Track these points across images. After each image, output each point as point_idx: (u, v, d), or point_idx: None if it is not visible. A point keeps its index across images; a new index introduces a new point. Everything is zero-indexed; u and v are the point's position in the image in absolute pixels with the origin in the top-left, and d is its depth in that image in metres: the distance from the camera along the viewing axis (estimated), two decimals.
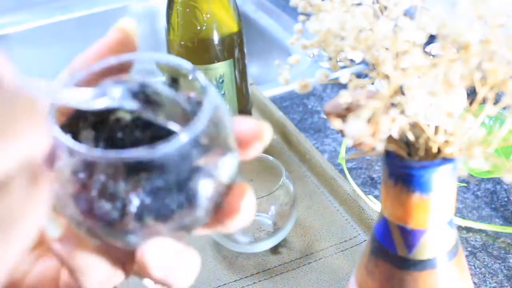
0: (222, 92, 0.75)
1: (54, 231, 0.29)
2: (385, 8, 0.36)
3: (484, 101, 0.35)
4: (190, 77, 0.30)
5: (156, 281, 0.30)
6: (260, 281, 0.64)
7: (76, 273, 0.30)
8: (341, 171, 0.77)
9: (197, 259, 0.31)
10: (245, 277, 0.64)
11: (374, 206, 0.70)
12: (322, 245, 0.67)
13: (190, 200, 0.28)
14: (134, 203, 0.27)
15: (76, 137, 0.29)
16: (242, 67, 0.77)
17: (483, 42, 0.33)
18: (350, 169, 0.78)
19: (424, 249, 0.39)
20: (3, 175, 0.21)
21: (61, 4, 1.24)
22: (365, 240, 0.68)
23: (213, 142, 0.28)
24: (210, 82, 0.29)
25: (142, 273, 0.30)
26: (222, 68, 0.74)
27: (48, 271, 0.32)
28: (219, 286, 0.64)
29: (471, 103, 0.35)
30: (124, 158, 0.26)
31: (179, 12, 0.73)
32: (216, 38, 0.73)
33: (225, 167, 0.29)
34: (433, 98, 0.32)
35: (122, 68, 0.31)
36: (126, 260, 0.31)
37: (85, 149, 0.26)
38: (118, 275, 0.31)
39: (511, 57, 0.32)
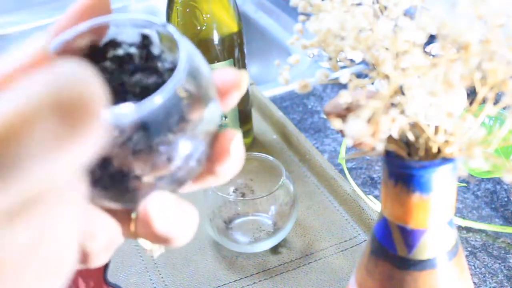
0: None
1: None
2: (385, 8, 0.36)
3: (484, 101, 0.35)
4: (165, 34, 0.31)
5: (158, 237, 0.30)
6: (260, 281, 0.64)
7: (82, 239, 0.30)
8: (341, 171, 0.77)
9: (196, 213, 0.32)
10: (245, 277, 0.64)
11: (374, 206, 0.70)
12: (322, 245, 0.67)
13: (180, 152, 0.29)
14: (126, 163, 0.28)
15: None
16: (242, 67, 0.77)
17: (483, 42, 0.33)
18: (350, 169, 0.78)
19: (424, 249, 0.39)
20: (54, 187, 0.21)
21: (61, 4, 1.24)
22: (365, 240, 0.68)
23: (194, 92, 0.29)
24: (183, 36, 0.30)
25: (144, 230, 0.30)
26: (222, 68, 0.74)
27: None
28: (219, 286, 0.64)
29: (471, 103, 0.35)
30: (111, 119, 0.26)
31: (179, 12, 0.73)
32: (216, 38, 0.73)
33: (209, 115, 0.30)
34: (433, 98, 0.32)
35: (97, 32, 0.31)
36: (123, 222, 0.31)
37: None
38: (120, 237, 0.31)
39: (511, 57, 0.32)
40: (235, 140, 0.31)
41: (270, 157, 0.68)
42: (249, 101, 0.80)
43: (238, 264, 0.66)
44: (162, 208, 0.29)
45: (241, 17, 0.75)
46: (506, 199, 0.73)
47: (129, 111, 0.27)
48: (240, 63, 0.76)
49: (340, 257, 0.66)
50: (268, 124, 0.86)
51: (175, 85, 0.28)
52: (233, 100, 0.32)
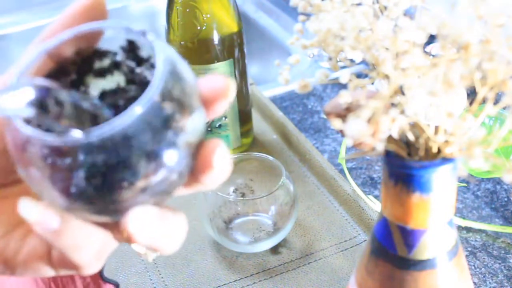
0: None
1: (30, 215, 0.29)
2: (385, 8, 0.36)
3: (484, 101, 0.35)
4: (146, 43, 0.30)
5: (144, 247, 0.30)
6: (260, 281, 0.64)
7: (67, 252, 0.30)
8: (341, 171, 0.77)
9: (183, 222, 0.31)
10: (245, 277, 0.64)
11: (374, 206, 0.70)
12: (322, 245, 0.67)
13: (161, 166, 0.28)
14: (105, 178, 0.27)
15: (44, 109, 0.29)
16: (242, 67, 0.77)
17: (483, 42, 0.33)
18: (350, 169, 0.78)
19: (424, 249, 0.39)
20: None
21: (61, 4, 1.24)
22: (365, 240, 0.68)
23: (176, 101, 0.28)
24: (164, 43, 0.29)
25: (128, 241, 0.29)
26: (222, 68, 0.74)
27: (39, 247, 0.32)
28: (219, 286, 0.64)
29: (471, 103, 0.35)
30: (82, 140, 0.26)
31: (179, 12, 0.73)
32: (216, 38, 0.73)
33: (191, 126, 0.29)
34: (433, 98, 0.32)
35: (92, 36, 0.31)
36: (114, 227, 0.31)
37: (47, 137, 0.27)
38: (111, 242, 0.31)
39: (511, 57, 0.32)
40: (218, 152, 0.30)
41: (270, 157, 0.68)
42: (249, 101, 0.80)
43: (238, 264, 0.66)
44: (142, 223, 0.29)
45: (241, 17, 0.75)
46: (506, 199, 0.73)
47: (93, 131, 0.26)
48: (240, 63, 0.76)
49: (340, 257, 0.66)
50: (268, 124, 0.86)
51: (151, 96, 0.27)
52: (220, 108, 0.31)
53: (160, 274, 0.65)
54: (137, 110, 0.27)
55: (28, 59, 0.30)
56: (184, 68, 0.30)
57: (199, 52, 0.73)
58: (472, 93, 0.34)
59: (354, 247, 0.67)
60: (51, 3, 1.24)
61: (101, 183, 0.27)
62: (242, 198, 0.69)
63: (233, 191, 0.70)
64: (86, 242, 0.30)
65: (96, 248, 0.30)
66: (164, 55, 0.28)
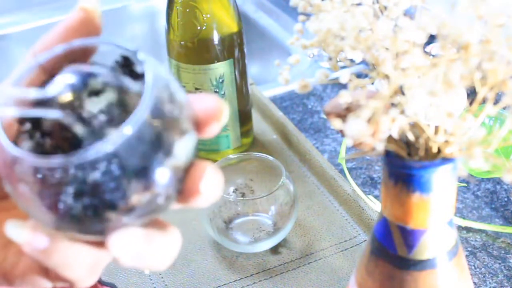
0: (222, 92, 0.75)
1: (18, 236, 0.29)
2: (385, 8, 0.36)
3: (484, 101, 0.35)
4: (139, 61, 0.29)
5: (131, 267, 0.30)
6: (260, 281, 0.64)
7: (58, 269, 0.30)
8: (341, 171, 0.77)
9: (174, 239, 0.31)
10: (245, 277, 0.64)
11: (374, 206, 0.70)
12: (322, 245, 0.67)
13: (147, 189, 0.28)
14: (91, 199, 0.27)
15: (34, 131, 0.29)
16: (242, 67, 0.77)
17: (483, 42, 0.33)
18: (350, 169, 0.78)
19: (424, 249, 0.39)
20: None
21: (61, 4, 1.24)
22: (365, 240, 0.68)
23: (163, 125, 0.28)
24: (154, 64, 0.29)
25: (115, 262, 0.29)
26: (222, 68, 0.74)
27: (35, 261, 0.32)
28: (219, 286, 0.64)
29: (471, 103, 0.35)
30: (68, 162, 0.26)
31: (179, 12, 0.73)
32: (216, 38, 0.73)
33: (180, 150, 0.28)
34: (433, 98, 0.32)
35: (85, 52, 0.31)
36: (104, 243, 0.31)
37: (34, 158, 0.27)
38: (103, 257, 0.31)
39: (511, 57, 0.32)
40: (206, 178, 0.29)
41: (270, 157, 0.68)
42: (249, 101, 0.80)
43: (238, 264, 0.66)
44: (126, 247, 0.28)
45: (241, 17, 0.75)
46: (506, 199, 0.73)
47: (86, 155, 0.26)
48: (240, 63, 0.76)
49: (340, 257, 0.66)
50: (268, 124, 0.86)
51: (138, 119, 0.27)
52: (212, 131, 0.30)
53: (160, 274, 0.65)
54: (123, 132, 0.26)
55: (20, 71, 0.30)
56: (176, 89, 0.29)
57: (199, 52, 0.73)
58: (472, 93, 0.34)
59: (354, 247, 0.67)
60: (51, 3, 1.24)
61: (86, 205, 0.27)
62: (242, 198, 0.69)
63: (233, 191, 0.70)
64: (77, 260, 0.30)
65: (88, 264, 0.30)
66: (154, 77, 0.28)
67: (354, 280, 0.44)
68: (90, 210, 0.27)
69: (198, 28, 0.72)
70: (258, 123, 0.86)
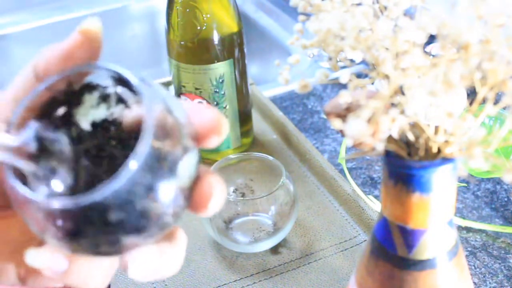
0: (222, 92, 0.75)
1: (40, 263, 0.30)
2: (385, 8, 0.36)
3: (484, 101, 0.35)
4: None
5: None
6: (260, 281, 0.64)
7: (78, 285, 0.31)
8: (341, 171, 0.77)
9: (181, 247, 0.32)
10: (245, 277, 0.64)
11: (374, 206, 0.70)
12: (322, 245, 0.67)
13: (156, 212, 0.29)
14: (103, 233, 0.28)
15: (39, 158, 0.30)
16: (242, 67, 0.77)
17: (483, 42, 0.33)
18: (350, 169, 0.78)
19: (424, 249, 0.39)
20: None
21: (61, 4, 1.24)
22: (365, 240, 0.68)
23: (166, 150, 0.28)
24: (155, 88, 0.29)
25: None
26: (222, 68, 0.74)
27: None
28: (219, 286, 0.64)
29: (471, 103, 0.35)
30: (79, 203, 0.27)
31: (179, 12, 0.73)
32: (216, 38, 0.73)
33: (184, 170, 0.29)
34: (433, 98, 0.32)
35: (81, 74, 0.31)
36: None
37: (42, 199, 0.28)
38: (115, 263, 0.32)
39: (511, 57, 0.32)
40: (214, 198, 0.30)
41: (270, 157, 0.68)
42: (249, 101, 0.80)
43: (238, 264, 0.66)
44: (141, 264, 0.30)
45: (241, 17, 0.75)
46: (506, 199, 0.73)
47: (93, 197, 0.27)
48: (240, 63, 0.76)
49: (340, 257, 0.66)
50: (268, 124, 0.86)
51: (142, 152, 0.27)
52: (211, 144, 0.30)
53: None
54: (129, 167, 0.27)
55: (23, 99, 0.30)
56: (175, 107, 0.29)
57: (199, 52, 0.73)
58: (472, 93, 0.34)
59: (354, 247, 0.67)
60: (51, 3, 1.24)
61: (100, 236, 0.28)
62: (242, 198, 0.69)
63: (233, 191, 0.70)
64: (94, 274, 0.31)
65: (104, 275, 0.32)
66: (156, 100, 0.28)
67: (354, 280, 0.44)
68: (104, 239, 0.28)
69: (198, 28, 0.72)
70: (258, 123, 0.86)
